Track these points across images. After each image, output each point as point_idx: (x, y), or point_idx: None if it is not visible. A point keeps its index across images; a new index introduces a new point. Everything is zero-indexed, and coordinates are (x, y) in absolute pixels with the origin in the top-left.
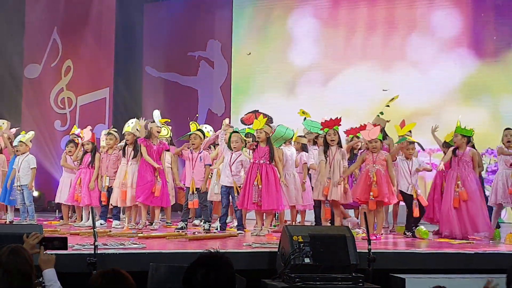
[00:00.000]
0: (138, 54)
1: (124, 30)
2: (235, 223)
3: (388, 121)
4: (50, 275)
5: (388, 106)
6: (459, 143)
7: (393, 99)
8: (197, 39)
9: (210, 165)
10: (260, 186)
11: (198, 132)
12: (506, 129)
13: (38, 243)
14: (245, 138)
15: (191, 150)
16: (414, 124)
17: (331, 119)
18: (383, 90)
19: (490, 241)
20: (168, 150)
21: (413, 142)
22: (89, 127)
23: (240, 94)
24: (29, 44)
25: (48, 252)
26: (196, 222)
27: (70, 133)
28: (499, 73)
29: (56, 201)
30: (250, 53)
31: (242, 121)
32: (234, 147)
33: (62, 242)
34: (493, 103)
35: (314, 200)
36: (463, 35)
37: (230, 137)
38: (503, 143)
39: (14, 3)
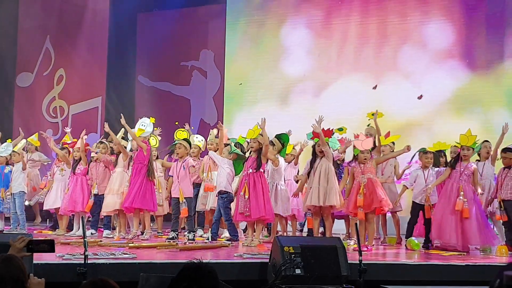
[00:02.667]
0: (130, 63)
1: (117, 39)
2: (226, 233)
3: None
4: None
5: (369, 119)
6: (468, 155)
7: (374, 113)
8: (190, 48)
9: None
10: (246, 197)
11: (183, 142)
12: (484, 141)
13: (25, 246)
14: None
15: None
16: (399, 136)
17: (322, 129)
18: (373, 88)
19: (481, 253)
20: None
21: (431, 152)
22: (85, 136)
23: (233, 104)
24: (21, 52)
25: (35, 255)
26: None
27: (61, 142)
28: (491, 85)
29: (45, 208)
30: (241, 84)
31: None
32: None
33: (49, 245)
34: (484, 115)
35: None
36: (455, 47)
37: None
38: (481, 155)
39: (7, 11)
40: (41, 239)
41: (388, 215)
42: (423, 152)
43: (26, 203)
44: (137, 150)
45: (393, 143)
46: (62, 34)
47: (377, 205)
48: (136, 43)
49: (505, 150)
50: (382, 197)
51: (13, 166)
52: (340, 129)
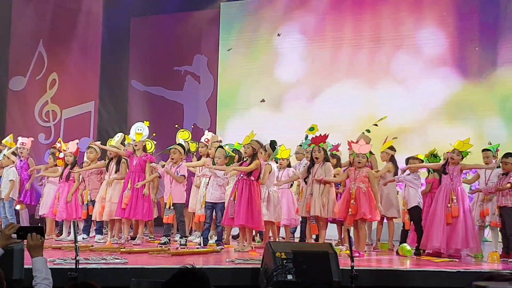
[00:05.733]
0: (124, 68)
1: (111, 44)
2: (214, 238)
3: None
4: (38, 264)
5: (376, 125)
6: (456, 159)
7: (381, 119)
8: (184, 53)
9: (185, 176)
10: (235, 201)
11: (178, 147)
12: (484, 150)
13: (14, 233)
14: (232, 153)
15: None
16: (392, 141)
17: (320, 135)
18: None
19: (473, 260)
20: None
21: (417, 158)
22: (76, 141)
23: (226, 109)
24: (14, 56)
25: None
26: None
27: (52, 146)
28: (483, 92)
29: (40, 213)
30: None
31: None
32: (217, 163)
33: (38, 232)
34: (477, 122)
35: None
36: (448, 53)
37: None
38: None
39: (0, 14)
40: (31, 226)
41: (385, 221)
42: (411, 158)
43: (17, 207)
44: (136, 156)
45: (393, 148)
46: (55, 38)
47: (360, 217)
48: (130, 47)
49: (507, 155)
50: (364, 211)
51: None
52: (311, 129)
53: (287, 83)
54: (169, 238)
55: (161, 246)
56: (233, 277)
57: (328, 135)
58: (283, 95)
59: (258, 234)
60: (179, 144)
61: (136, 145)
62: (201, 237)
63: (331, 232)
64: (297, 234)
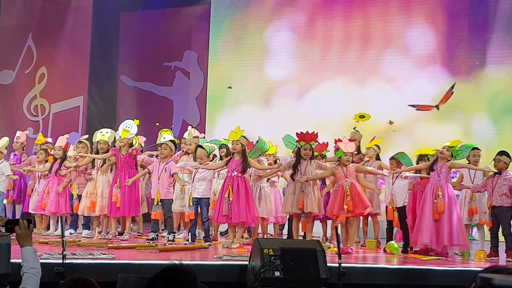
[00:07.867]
0: (113, 63)
1: (100, 39)
2: (202, 235)
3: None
4: (26, 253)
5: (357, 121)
6: (446, 155)
7: (364, 117)
8: (174, 49)
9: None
10: (230, 199)
11: (169, 143)
12: (473, 148)
13: (2, 226)
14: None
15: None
16: (382, 139)
17: (307, 132)
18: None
19: (460, 258)
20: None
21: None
22: (66, 135)
23: (216, 105)
24: (3, 50)
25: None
26: (165, 233)
27: (40, 143)
28: (472, 91)
29: (30, 209)
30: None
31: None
32: (201, 164)
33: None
34: (465, 120)
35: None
36: (437, 52)
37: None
38: (470, 161)
39: None
40: (19, 218)
41: (369, 218)
42: (390, 158)
43: (5, 201)
44: (122, 155)
45: (378, 146)
46: (45, 32)
47: (361, 210)
48: (119, 42)
49: (500, 153)
50: (367, 203)
51: None
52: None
53: (276, 80)
54: (156, 234)
55: (149, 242)
56: (220, 274)
57: (317, 134)
58: (272, 92)
59: (246, 230)
60: (171, 141)
61: (121, 142)
62: (189, 233)
63: (316, 229)
64: (285, 231)
